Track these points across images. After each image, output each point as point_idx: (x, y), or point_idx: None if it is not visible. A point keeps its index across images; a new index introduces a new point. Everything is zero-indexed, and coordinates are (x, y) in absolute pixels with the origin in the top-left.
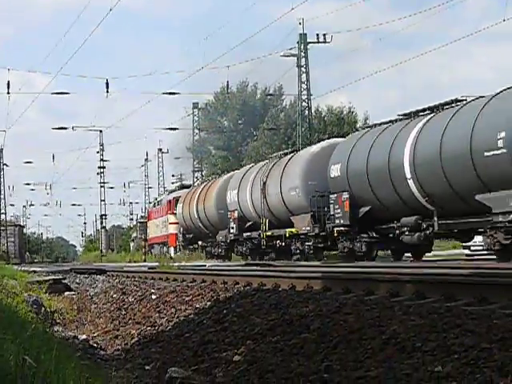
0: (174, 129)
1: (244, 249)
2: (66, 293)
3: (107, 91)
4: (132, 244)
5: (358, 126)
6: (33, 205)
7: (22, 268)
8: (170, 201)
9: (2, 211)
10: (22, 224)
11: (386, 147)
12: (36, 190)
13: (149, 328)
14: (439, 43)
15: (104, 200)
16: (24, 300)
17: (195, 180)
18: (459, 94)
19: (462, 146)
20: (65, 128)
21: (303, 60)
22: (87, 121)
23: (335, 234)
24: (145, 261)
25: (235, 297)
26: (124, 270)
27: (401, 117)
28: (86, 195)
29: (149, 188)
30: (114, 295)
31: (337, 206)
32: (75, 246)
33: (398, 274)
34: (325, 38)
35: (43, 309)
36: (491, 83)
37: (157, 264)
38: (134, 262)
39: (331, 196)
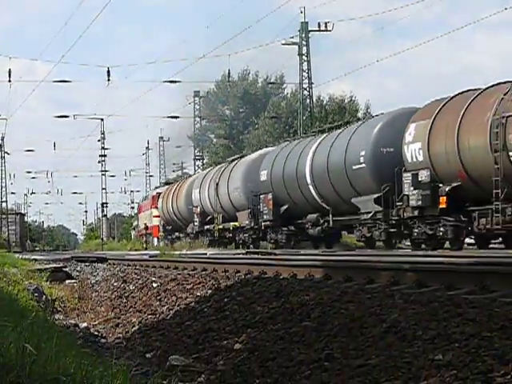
0: (175, 117)
1: (205, 239)
2: (67, 281)
3: (108, 79)
4: (133, 232)
5: (358, 114)
6: (34, 193)
7: (23, 256)
8: (153, 196)
9: (3, 199)
10: (23, 212)
11: (296, 158)
12: (37, 178)
13: (150, 316)
14: (440, 32)
15: (105, 188)
16: (25, 288)
17: (196, 168)
18: (459, 83)
19: (340, 161)
20: (66, 116)
21: (304, 48)
22: (89, 109)
23: (263, 228)
24: (146, 249)
25: (236, 285)
26: (125, 259)
27: (312, 132)
28: (88, 183)
29: (150, 176)
30: (115, 283)
31: (264, 205)
32: (76, 235)
33: (399, 263)
34: (326, 27)
35: (44, 297)
36: (492, 71)
37: (158, 252)
38: (135, 250)
39: (261, 196)
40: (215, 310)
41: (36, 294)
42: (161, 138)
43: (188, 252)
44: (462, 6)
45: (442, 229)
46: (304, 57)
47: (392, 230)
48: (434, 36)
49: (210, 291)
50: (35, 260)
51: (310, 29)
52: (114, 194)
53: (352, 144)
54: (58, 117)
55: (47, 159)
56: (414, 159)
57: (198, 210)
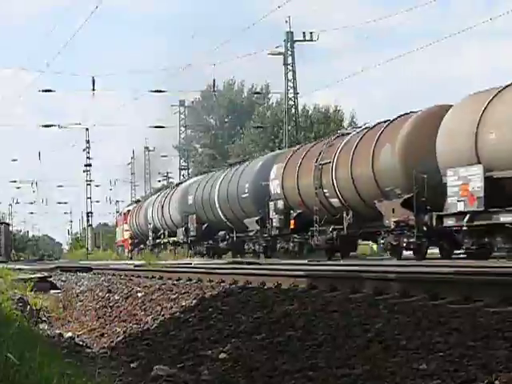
0: (161, 127)
1: (156, 251)
2: (52, 291)
3: (93, 89)
4: None
5: (344, 124)
6: (19, 202)
7: (8, 266)
8: (125, 213)
9: None
10: (7, 222)
11: (209, 187)
12: (22, 187)
13: (134, 326)
14: (426, 41)
15: (90, 198)
16: (9, 298)
17: (182, 178)
18: (446, 92)
19: (234, 190)
20: (51, 125)
21: (290, 58)
22: (74, 118)
23: (189, 242)
24: (131, 258)
25: (221, 295)
26: (110, 268)
27: (224, 165)
28: (72, 193)
29: (135, 186)
30: (100, 293)
31: (191, 223)
32: (61, 244)
33: (384, 273)
34: (311, 36)
35: (28, 307)
36: (480, 80)
37: (143, 262)
38: (120, 259)
39: (189, 216)
40: (200, 320)
41: (20, 304)
42: (146, 147)
43: (173, 262)
44: (450, 14)
45: (291, 244)
46: (289, 66)
47: (265, 244)
48: (420, 45)
49: (194, 301)
50: (20, 270)
51: (295, 38)
52: (99, 203)
53: (242, 178)
54: (44, 126)
55: (32, 168)
56: (275, 191)
57: (151, 226)
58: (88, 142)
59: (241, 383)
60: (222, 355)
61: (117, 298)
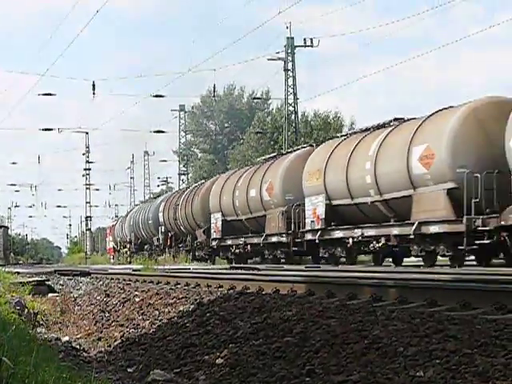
0: (161, 131)
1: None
2: (50, 294)
3: (93, 93)
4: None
5: (344, 130)
6: (18, 206)
7: (6, 269)
8: (110, 227)
9: None
10: (6, 225)
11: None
12: (21, 191)
13: (132, 330)
14: (427, 48)
15: (89, 202)
16: (7, 301)
17: (181, 183)
18: (446, 98)
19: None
20: (51, 129)
21: (290, 64)
22: (74, 123)
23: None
24: (130, 263)
25: (219, 300)
26: (108, 272)
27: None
28: (72, 197)
29: (134, 190)
30: (98, 297)
31: (161, 233)
32: (60, 248)
33: (382, 279)
34: (312, 42)
35: (26, 310)
36: (479, 88)
37: (141, 267)
38: (119, 264)
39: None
40: (197, 325)
41: (18, 307)
42: (145, 152)
43: (171, 267)
44: (449, 22)
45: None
46: (289, 72)
47: (209, 253)
48: (420, 52)
49: (192, 306)
50: (18, 273)
51: (295, 44)
52: (99, 207)
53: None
54: (43, 130)
55: (31, 172)
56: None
57: (128, 239)
58: (88, 146)
59: None
60: (219, 360)
61: (114, 302)
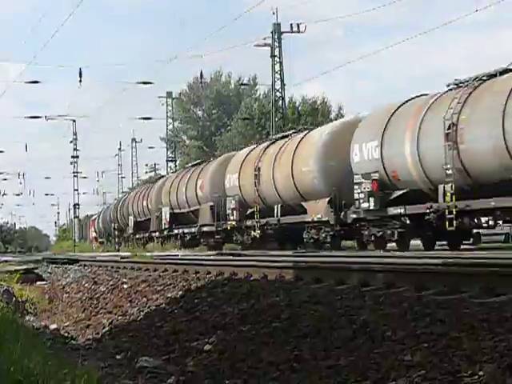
0: (148, 118)
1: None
2: (38, 282)
3: (80, 80)
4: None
5: (331, 116)
6: (6, 194)
7: None
8: (93, 220)
9: None
10: None
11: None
12: (9, 179)
13: (120, 317)
14: (412, 33)
15: (77, 189)
16: None
17: (169, 170)
18: (431, 84)
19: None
20: (38, 117)
21: (277, 50)
22: (61, 110)
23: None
24: (118, 251)
25: (207, 286)
26: (96, 260)
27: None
28: (60, 185)
29: (122, 178)
30: (86, 285)
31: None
32: (48, 236)
33: (369, 264)
34: (298, 28)
35: (14, 298)
36: (463, 73)
37: (129, 254)
38: (107, 251)
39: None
40: (185, 311)
41: (6, 296)
42: (133, 139)
43: (160, 253)
44: (433, 7)
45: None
46: (276, 58)
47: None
48: (405, 37)
49: (180, 292)
50: (6, 261)
51: (282, 30)
52: (87, 194)
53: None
54: (30, 117)
55: (19, 160)
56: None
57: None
58: (75, 133)
59: (226, 374)
60: (208, 347)
61: (103, 289)
